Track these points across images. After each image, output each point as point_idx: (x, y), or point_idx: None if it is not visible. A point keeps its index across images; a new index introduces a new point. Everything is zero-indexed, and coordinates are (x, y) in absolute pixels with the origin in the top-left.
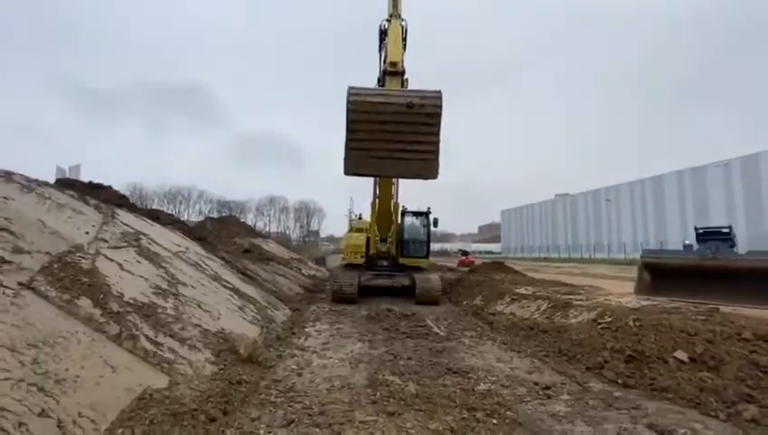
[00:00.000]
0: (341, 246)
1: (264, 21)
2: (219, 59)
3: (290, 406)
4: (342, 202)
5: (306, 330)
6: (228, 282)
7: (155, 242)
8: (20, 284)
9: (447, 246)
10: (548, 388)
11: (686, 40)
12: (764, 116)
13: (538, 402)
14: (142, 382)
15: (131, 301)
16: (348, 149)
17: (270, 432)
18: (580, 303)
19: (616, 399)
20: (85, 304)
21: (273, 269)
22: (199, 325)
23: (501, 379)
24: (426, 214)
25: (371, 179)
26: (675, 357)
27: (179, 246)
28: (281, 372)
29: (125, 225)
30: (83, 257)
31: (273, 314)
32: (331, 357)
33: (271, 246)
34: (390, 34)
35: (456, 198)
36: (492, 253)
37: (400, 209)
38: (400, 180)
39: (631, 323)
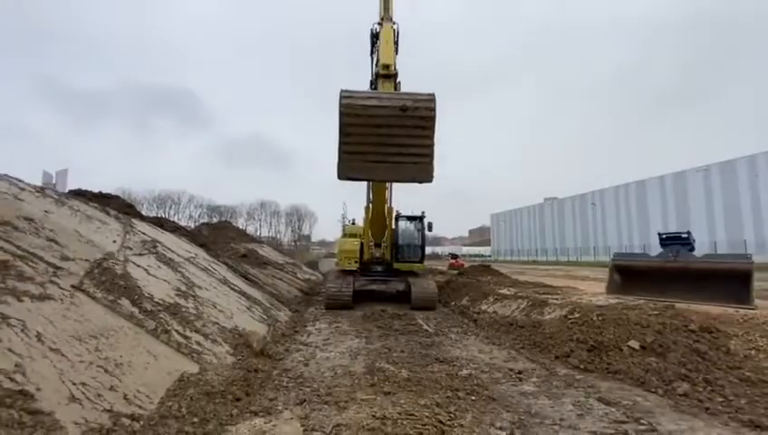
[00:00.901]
0: (336, 251)
1: (252, 19)
2: (205, 62)
3: (300, 389)
4: (335, 206)
5: (307, 328)
6: (235, 285)
7: (169, 249)
8: (73, 286)
9: (438, 249)
10: (520, 373)
11: (674, 42)
12: (740, 124)
13: (511, 384)
14: (179, 368)
15: (160, 301)
16: (341, 153)
17: (287, 408)
18: (555, 301)
19: (576, 380)
20: (125, 303)
21: (271, 273)
22: (217, 323)
23: (481, 366)
24: (420, 218)
25: (364, 184)
26: (628, 346)
27: (189, 252)
28: (289, 363)
29: (142, 233)
30: (116, 263)
31: (277, 314)
32: (332, 351)
33: (266, 251)
34: (383, 37)
35: (447, 202)
36: (482, 256)
37: (394, 214)
38: (394, 185)
39: (595, 317)
